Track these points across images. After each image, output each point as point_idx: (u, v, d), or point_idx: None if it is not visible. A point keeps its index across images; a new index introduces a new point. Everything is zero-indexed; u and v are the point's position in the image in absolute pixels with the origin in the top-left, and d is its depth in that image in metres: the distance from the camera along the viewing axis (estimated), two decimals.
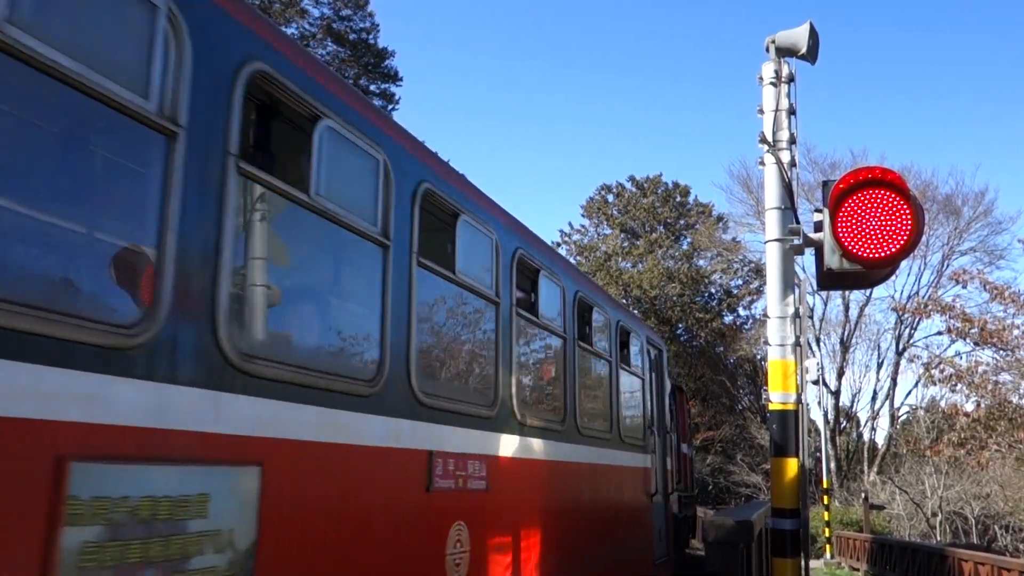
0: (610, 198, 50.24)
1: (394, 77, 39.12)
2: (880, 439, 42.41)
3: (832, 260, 5.44)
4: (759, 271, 43.16)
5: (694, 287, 47.19)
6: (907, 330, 39.93)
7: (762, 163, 5.91)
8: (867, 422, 43.13)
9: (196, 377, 2.95)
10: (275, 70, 3.49)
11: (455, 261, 5.02)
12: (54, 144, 3.05)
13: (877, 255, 5.28)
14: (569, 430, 6.91)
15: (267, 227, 3.77)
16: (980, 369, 21.10)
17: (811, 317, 34.04)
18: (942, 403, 30.93)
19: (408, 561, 4.34)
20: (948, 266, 38.27)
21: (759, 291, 45.60)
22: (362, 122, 4.14)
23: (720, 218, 47.36)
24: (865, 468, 39.04)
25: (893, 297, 39.37)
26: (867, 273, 5.63)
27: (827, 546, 25.23)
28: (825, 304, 40.19)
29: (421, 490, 4.45)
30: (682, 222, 49.52)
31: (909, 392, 49.16)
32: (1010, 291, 21.00)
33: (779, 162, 5.78)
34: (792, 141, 5.87)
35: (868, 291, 37.60)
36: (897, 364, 40.10)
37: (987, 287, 22.03)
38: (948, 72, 68.32)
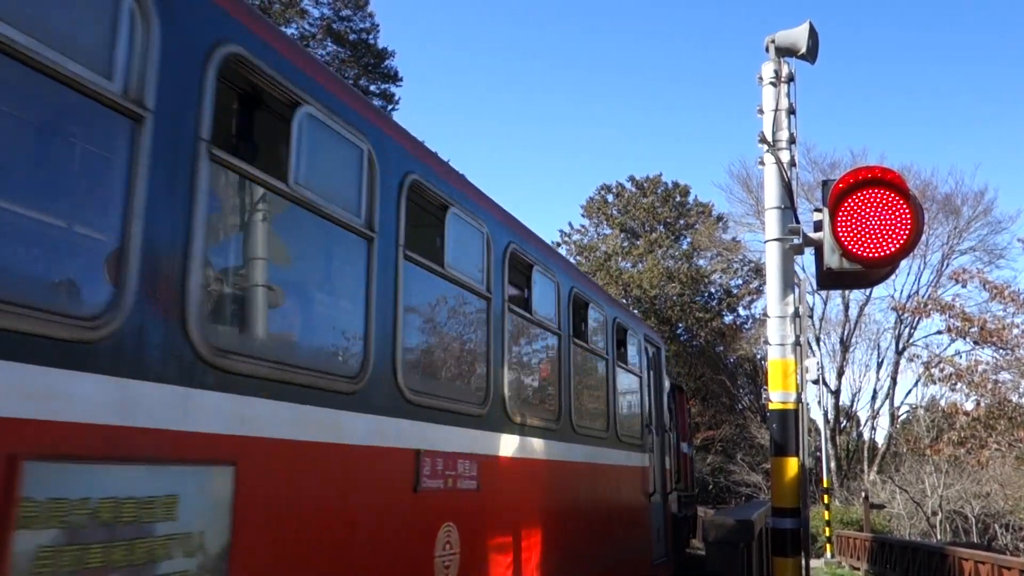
0: (610, 198, 50.28)
1: (394, 77, 39.14)
2: (880, 438, 42.49)
3: (832, 260, 5.43)
4: (759, 271, 43.18)
5: (694, 287, 47.21)
6: (907, 329, 40.00)
7: (762, 163, 5.91)
8: (867, 421, 43.21)
9: (164, 372, 2.82)
10: (250, 53, 3.35)
11: (444, 255, 4.89)
12: (9, 127, 2.91)
13: (877, 254, 5.28)
14: (564, 429, 6.80)
15: (243, 217, 3.65)
16: (980, 368, 21.09)
17: (811, 316, 34.01)
18: (942, 402, 31.02)
19: (394, 564, 4.21)
20: (948, 265, 38.34)
21: (759, 291, 45.64)
22: (345, 110, 4.01)
23: (720, 218, 47.44)
24: (865, 467, 39.04)
25: (893, 296, 39.45)
26: (867, 272, 5.63)
27: (827, 545, 25.24)
28: (825, 303, 40.26)
29: (408, 490, 4.32)
30: (682, 222, 49.54)
31: (909, 391, 49.34)
32: (1010, 290, 20.97)
33: (779, 162, 5.78)
34: (792, 141, 5.87)
35: (868, 290, 37.68)
36: (897, 363, 40.14)
37: (987, 286, 22.01)
38: (948, 72, 68.40)
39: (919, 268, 39.40)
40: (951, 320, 21.88)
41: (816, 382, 6.21)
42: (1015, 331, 20.36)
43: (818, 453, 28.12)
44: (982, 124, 68.31)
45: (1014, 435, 20.10)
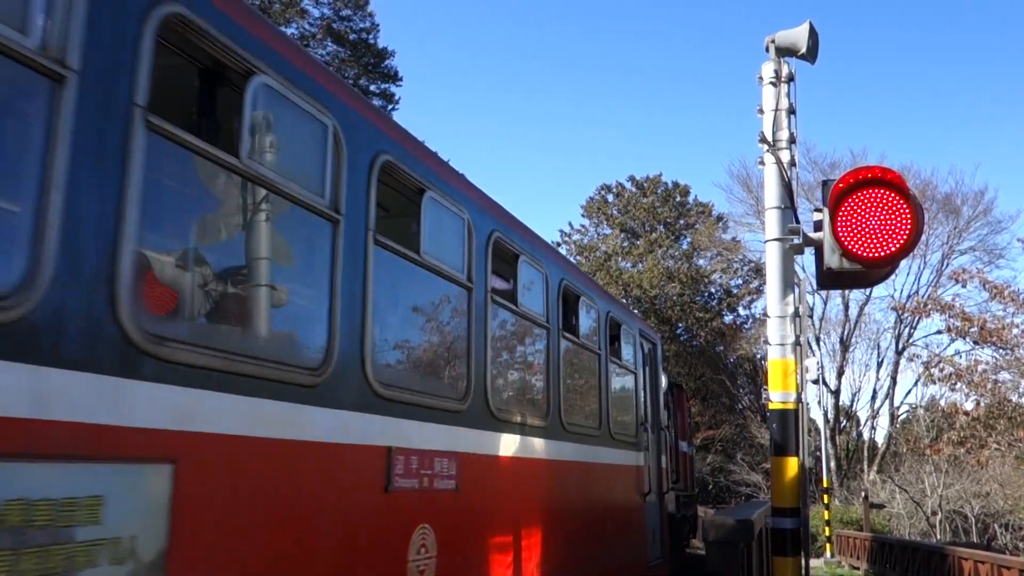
0: (610, 198, 50.33)
1: (394, 77, 39.14)
2: (880, 438, 42.48)
3: (832, 259, 5.43)
4: (759, 270, 43.19)
5: (694, 287, 47.24)
6: (907, 329, 39.99)
7: (762, 163, 5.91)
8: (867, 421, 43.19)
9: (89, 360, 2.55)
10: (194, 14, 3.08)
11: (421, 241, 4.61)
12: None
13: (877, 254, 5.28)
14: (553, 426, 6.53)
15: (188, 193, 3.41)
16: (980, 368, 21.08)
17: (811, 316, 34.00)
18: (942, 402, 31.06)
19: (363, 569, 3.96)
20: (948, 265, 38.32)
21: (759, 290, 45.65)
22: (306, 82, 3.73)
23: (720, 218, 47.47)
24: (865, 467, 39.03)
25: (893, 296, 39.42)
26: (867, 272, 5.63)
27: (827, 545, 25.23)
28: (825, 303, 40.23)
29: (378, 490, 4.06)
30: (682, 222, 49.59)
31: (909, 391, 49.19)
32: (1009, 290, 20.94)
33: (779, 162, 5.79)
34: (792, 141, 5.88)
35: (868, 290, 37.68)
36: (897, 363, 40.13)
37: (987, 286, 21.99)
38: (948, 72, 68.39)
39: (919, 268, 39.43)
40: (951, 320, 21.90)
41: (816, 382, 6.21)
42: (1015, 331, 20.36)
43: (818, 453, 28.09)
44: (982, 124, 68.37)
45: (1014, 435, 20.10)
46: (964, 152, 72.35)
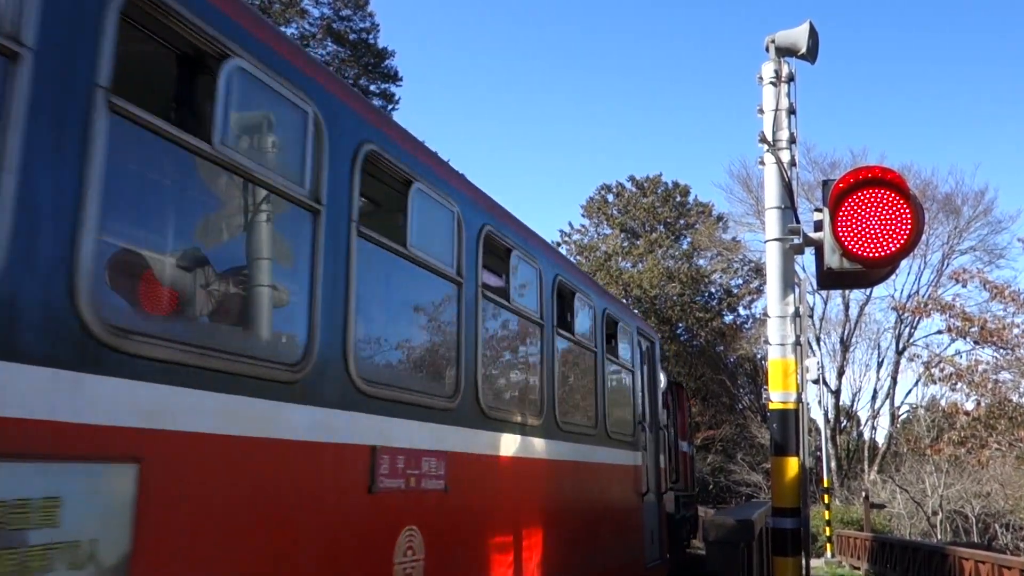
0: (610, 198, 50.37)
1: (394, 77, 39.16)
2: (880, 438, 42.48)
3: (832, 259, 5.44)
4: (759, 270, 43.20)
5: (694, 287, 47.27)
6: (907, 329, 40.01)
7: (762, 162, 5.92)
8: (867, 421, 43.19)
9: (45, 353, 2.43)
10: None
11: (408, 234, 4.46)
12: None
13: (877, 254, 5.28)
14: (547, 425, 6.39)
15: (158, 180, 3.28)
16: (980, 368, 21.07)
17: (811, 316, 34.04)
18: (942, 402, 31.02)
19: (346, 572, 3.84)
20: (948, 265, 38.34)
21: (759, 290, 45.67)
22: (284, 67, 3.58)
23: (720, 218, 47.51)
24: (865, 467, 39.01)
25: (893, 296, 39.42)
26: (867, 272, 5.63)
27: (828, 545, 25.25)
28: (825, 303, 40.24)
29: (362, 491, 3.92)
30: (682, 222, 49.62)
31: (909, 391, 49.04)
32: (1010, 290, 20.95)
33: (779, 161, 5.79)
34: (792, 140, 5.89)
35: (868, 290, 37.69)
36: (897, 363, 40.14)
37: (987, 286, 22.00)
38: (948, 72, 68.42)
39: (919, 268, 39.44)
40: (951, 320, 21.90)
41: (816, 382, 6.20)
42: (1015, 331, 20.36)
43: (818, 453, 28.10)
44: (982, 124, 68.41)
45: (1014, 435, 20.09)
46: (964, 152, 72.50)
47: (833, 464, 37.33)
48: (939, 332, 29.91)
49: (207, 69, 3.24)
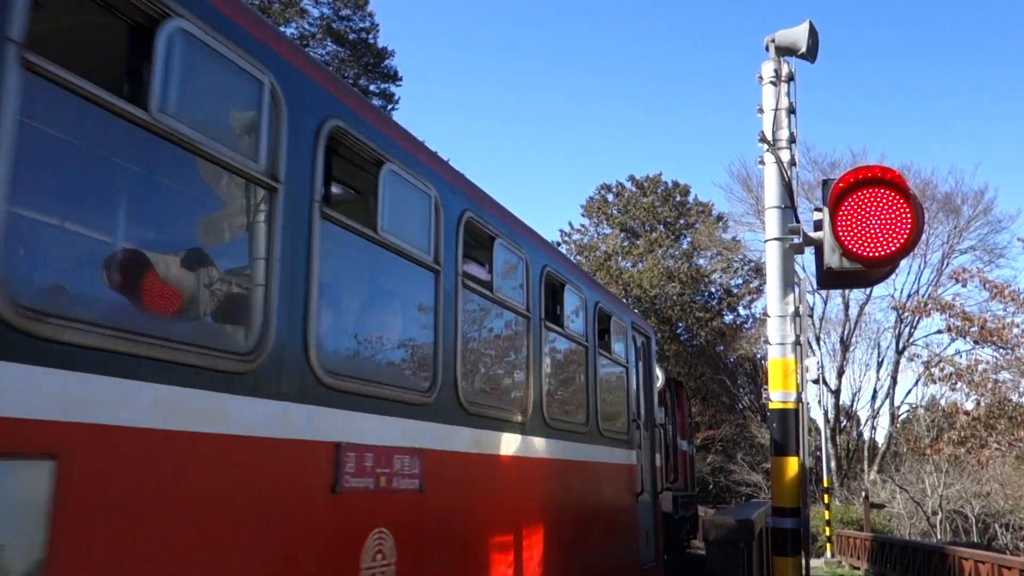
0: (610, 198, 50.36)
1: (394, 77, 39.14)
2: (880, 438, 42.49)
3: (832, 259, 5.43)
4: (759, 270, 43.21)
5: (694, 286, 47.26)
6: (907, 329, 40.00)
7: (762, 162, 5.91)
8: (867, 421, 43.18)
9: None
10: None
11: (377, 218, 4.16)
12: None
13: (877, 254, 5.27)
14: (534, 421, 6.05)
15: (82, 147, 3.09)
16: (980, 367, 21.04)
17: (811, 316, 34.02)
18: (942, 401, 31.09)
19: None
20: (948, 264, 38.34)
21: (759, 290, 45.68)
22: (237, 32, 3.30)
23: (720, 217, 47.50)
24: (865, 467, 39.03)
25: (893, 296, 39.43)
26: (867, 272, 5.62)
27: (827, 545, 25.26)
28: (825, 303, 40.24)
29: (324, 491, 3.63)
30: (682, 221, 49.61)
31: (909, 391, 49.10)
32: (1010, 289, 20.91)
33: (779, 161, 5.78)
34: (792, 140, 5.88)
35: (868, 290, 37.69)
36: (897, 363, 40.14)
37: (987, 285, 21.97)
38: (948, 72, 68.44)
39: (919, 267, 39.44)
40: (951, 319, 21.87)
41: (816, 381, 6.20)
42: (1015, 330, 20.34)
43: (818, 452, 28.13)
44: (982, 123, 68.45)
45: (1014, 434, 20.09)
46: (964, 152, 72.52)
47: (833, 464, 37.35)
48: (939, 332, 29.96)
49: (145, 30, 2.97)
